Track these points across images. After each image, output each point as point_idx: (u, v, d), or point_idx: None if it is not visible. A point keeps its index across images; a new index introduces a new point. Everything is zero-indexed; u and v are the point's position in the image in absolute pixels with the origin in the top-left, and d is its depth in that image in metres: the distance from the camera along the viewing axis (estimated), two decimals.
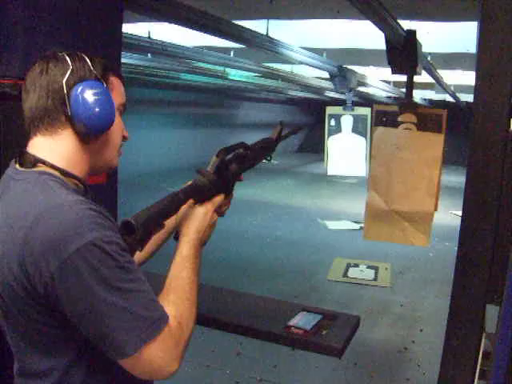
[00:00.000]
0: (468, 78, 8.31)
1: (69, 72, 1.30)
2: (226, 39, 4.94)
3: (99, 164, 1.42)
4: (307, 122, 24.85)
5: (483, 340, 1.32)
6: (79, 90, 1.29)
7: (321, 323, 2.02)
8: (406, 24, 4.18)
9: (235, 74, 9.37)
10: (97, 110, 1.30)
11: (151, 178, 14.09)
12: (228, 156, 1.60)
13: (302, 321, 2.01)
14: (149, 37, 5.71)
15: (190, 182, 1.51)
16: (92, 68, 1.33)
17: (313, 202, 12.79)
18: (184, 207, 1.46)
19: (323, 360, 4.52)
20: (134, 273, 1.21)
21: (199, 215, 1.49)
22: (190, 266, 1.40)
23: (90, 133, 1.33)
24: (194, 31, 4.46)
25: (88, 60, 1.34)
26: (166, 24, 4.96)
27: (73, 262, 1.13)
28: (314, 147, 22.31)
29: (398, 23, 3.84)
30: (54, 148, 1.33)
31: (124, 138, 1.47)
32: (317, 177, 16.87)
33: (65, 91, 1.29)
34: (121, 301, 1.16)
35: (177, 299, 1.32)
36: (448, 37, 5.44)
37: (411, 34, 3.95)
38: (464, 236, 1.15)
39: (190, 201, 1.47)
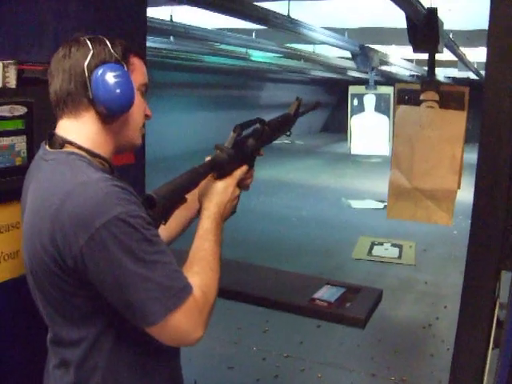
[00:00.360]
0: None
1: (90, 55, 1.35)
2: (248, 21, 4.99)
3: (122, 143, 1.48)
4: (330, 102, 24.75)
5: (497, 308, 1.38)
6: (100, 72, 1.35)
7: (344, 296, 2.09)
8: (427, 2, 4.19)
9: (258, 56, 9.40)
10: (117, 91, 1.35)
11: (176, 160, 14.16)
12: (245, 131, 1.66)
13: (326, 294, 2.08)
14: (171, 20, 5.77)
15: (208, 158, 1.55)
16: (112, 51, 1.38)
17: (337, 181, 12.81)
18: (204, 182, 1.52)
19: (348, 336, 4.62)
20: (158, 245, 1.28)
21: (219, 190, 1.54)
22: (213, 238, 1.46)
23: (111, 114, 1.38)
24: (216, 13, 4.51)
25: (108, 43, 1.39)
26: (187, 7, 5.01)
27: (100, 235, 1.20)
28: (338, 127, 22.21)
29: (418, 1, 3.85)
30: (80, 129, 1.39)
31: (147, 117, 1.53)
32: (341, 156, 16.84)
33: (86, 74, 1.35)
34: (147, 271, 1.22)
35: (200, 270, 1.38)
36: (470, 14, 5.41)
37: (432, 11, 3.96)
38: (477, 205, 1.21)
39: (210, 175, 1.54)
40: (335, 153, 18.49)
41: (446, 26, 4.46)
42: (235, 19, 4.88)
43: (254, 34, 7.36)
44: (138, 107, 1.46)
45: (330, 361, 4.28)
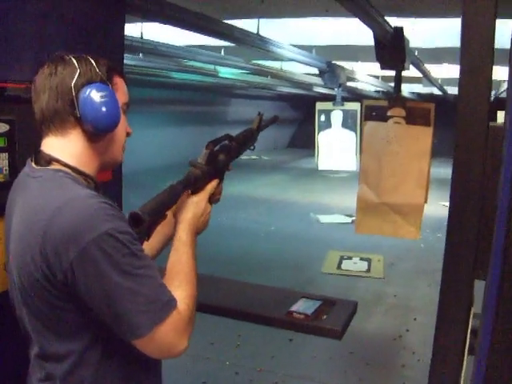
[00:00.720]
0: (455, 71, 8.44)
1: (76, 74, 1.38)
2: (219, 38, 5.05)
3: (107, 160, 1.51)
4: (296, 118, 24.94)
5: (471, 317, 1.44)
6: (87, 92, 1.38)
7: (321, 308, 2.14)
8: (393, 20, 4.30)
9: (225, 72, 9.47)
10: (104, 110, 1.39)
11: (145, 176, 14.16)
12: (216, 147, 1.71)
13: (302, 307, 2.13)
14: (141, 37, 5.80)
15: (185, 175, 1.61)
16: (98, 70, 1.41)
17: (304, 196, 12.90)
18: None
19: (320, 349, 4.66)
20: (144, 260, 1.31)
21: (193, 204, 1.60)
22: (189, 250, 1.50)
23: (98, 132, 1.42)
24: (186, 31, 4.56)
25: (93, 62, 1.42)
26: (157, 24, 5.06)
27: (90, 250, 1.23)
28: (305, 142, 22.39)
29: (385, 20, 3.95)
30: (66, 147, 1.42)
31: (127, 134, 1.56)
32: (308, 172, 16.97)
33: (73, 93, 1.37)
34: (134, 285, 1.26)
35: (181, 283, 1.42)
36: (434, 32, 5.57)
37: (399, 30, 4.06)
38: (452, 217, 1.26)
39: (186, 192, 1.60)
40: (302, 168, 18.62)
41: (412, 44, 4.57)
42: (205, 36, 4.94)
43: (222, 51, 7.42)
44: (122, 125, 1.50)
45: (302, 374, 4.31)
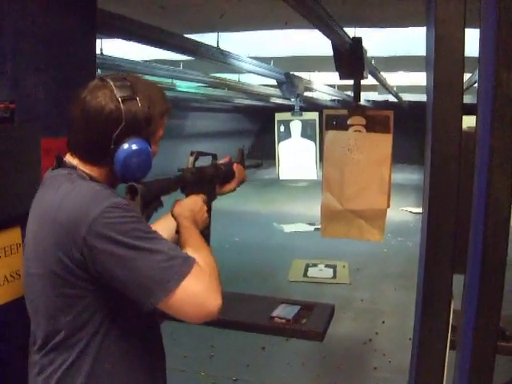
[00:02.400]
0: (410, 79, 8.66)
1: (121, 126, 1.41)
2: (179, 53, 5.09)
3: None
4: (254, 129, 25.04)
5: (451, 311, 1.51)
6: (125, 147, 1.42)
7: (300, 313, 2.20)
8: (350, 31, 4.41)
9: (183, 86, 9.49)
10: (135, 167, 1.43)
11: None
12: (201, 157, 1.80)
13: (283, 312, 2.18)
14: (101, 53, 5.79)
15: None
16: (144, 124, 1.44)
17: (266, 207, 12.97)
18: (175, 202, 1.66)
19: (293, 355, 4.72)
20: (151, 229, 1.37)
21: (190, 200, 1.68)
22: (194, 232, 1.56)
23: (123, 179, 1.47)
24: (144, 45, 4.60)
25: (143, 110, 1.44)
26: (116, 40, 5.08)
27: (99, 223, 1.29)
28: (263, 153, 22.49)
29: (344, 31, 4.05)
30: (90, 169, 1.47)
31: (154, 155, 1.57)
32: (269, 182, 17.05)
33: (112, 142, 1.41)
34: (150, 245, 1.31)
35: (195, 250, 1.46)
36: (389, 41, 5.72)
37: (357, 41, 4.17)
38: (430, 215, 1.33)
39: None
40: (263, 179, 18.68)
41: (368, 53, 4.69)
42: (163, 51, 4.98)
43: (181, 65, 7.45)
44: (154, 155, 1.52)
45: (277, 381, 4.37)
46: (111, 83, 1.43)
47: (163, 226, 1.69)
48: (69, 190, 1.36)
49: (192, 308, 1.33)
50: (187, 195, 1.70)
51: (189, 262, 1.35)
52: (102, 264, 1.30)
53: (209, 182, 1.83)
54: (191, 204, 1.66)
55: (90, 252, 1.29)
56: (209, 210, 1.79)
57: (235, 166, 2.03)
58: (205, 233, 1.73)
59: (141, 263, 1.29)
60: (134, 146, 1.41)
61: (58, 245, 1.32)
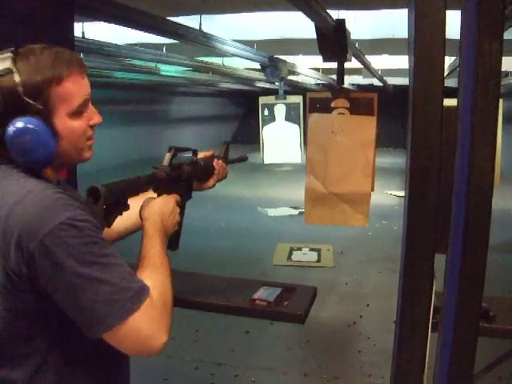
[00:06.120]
0: (394, 62, 8.64)
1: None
2: (162, 36, 5.03)
3: (69, 161, 1.47)
4: (238, 114, 24.98)
5: (433, 292, 1.50)
6: (9, 129, 1.29)
7: (282, 295, 2.18)
8: (334, 13, 4.38)
9: (167, 70, 9.41)
10: (27, 149, 1.30)
11: (87, 177, 13.94)
12: (180, 153, 1.73)
13: (264, 294, 2.16)
14: (83, 37, 5.72)
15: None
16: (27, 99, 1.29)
17: (251, 191, 12.96)
18: (146, 199, 1.58)
19: (278, 339, 4.73)
20: (108, 248, 1.28)
21: (160, 202, 1.59)
22: (158, 244, 1.47)
23: (32, 167, 1.35)
24: (127, 28, 4.54)
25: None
26: (98, 23, 5.01)
27: (48, 242, 1.20)
28: (248, 138, 22.45)
29: (327, 13, 4.02)
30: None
31: (94, 124, 1.47)
32: (253, 166, 16.95)
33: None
34: (99, 274, 1.22)
35: (151, 273, 1.38)
36: (373, 23, 5.69)
37: (341, 23, 4.14)
38: (411, 195, 1.32)
39: (150, 190, 1.61)
40: (247, 163, 18.57)
41: (352, 36, 4.66)
42: (146, 34, 4.92)
43: (164, 49, 7.38)
44: (73, 130, 1.39)
45: (262, 365, 4.37)
46: None
47: (138, 203, 1.58)
48: (20, 194, 1.27)
49: (133, 344, 1.28)
50: (159, 195, 1.61)
51: (139, 297, 1.27)
52: (46, 285, 1.23)
53: (185, 180, 1.76)
54: (162, 206, 1.57)
55: (35, 268, 1.22)
56: (182, 211, 1.72)
57: (216, 163, 1.98)
58: (175, 233, 1.68)
59: (85, 293, 1.21)
60: (15, 126, 1.28)
61: (7, 255, 1.24)
